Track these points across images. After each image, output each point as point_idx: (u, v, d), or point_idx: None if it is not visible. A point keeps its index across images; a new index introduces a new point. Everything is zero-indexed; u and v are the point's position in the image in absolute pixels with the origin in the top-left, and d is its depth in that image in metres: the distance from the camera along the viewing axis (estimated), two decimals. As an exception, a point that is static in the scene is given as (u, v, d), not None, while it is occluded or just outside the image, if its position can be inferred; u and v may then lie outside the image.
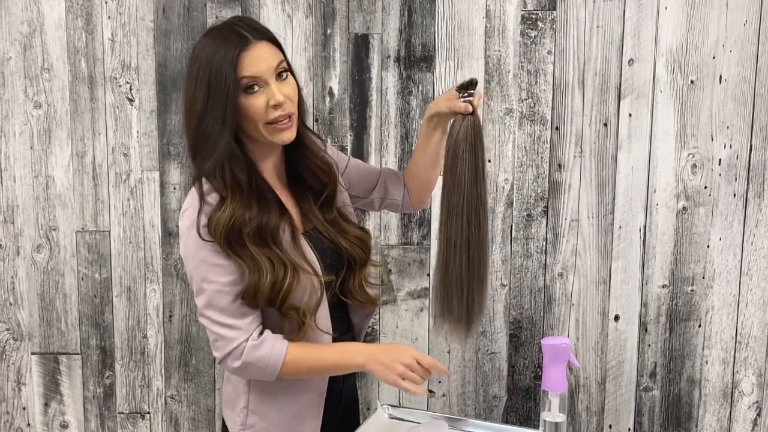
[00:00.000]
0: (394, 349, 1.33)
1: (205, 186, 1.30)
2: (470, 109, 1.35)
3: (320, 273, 1.33)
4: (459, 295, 1.38)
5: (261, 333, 1.30)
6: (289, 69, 1.33)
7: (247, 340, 1.28)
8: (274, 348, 1.29)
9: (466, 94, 1.36)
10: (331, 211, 1.43)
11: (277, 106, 1.27)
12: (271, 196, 1.32)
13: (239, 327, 1.28)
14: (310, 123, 2.02)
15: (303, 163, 1.41)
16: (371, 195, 1.58)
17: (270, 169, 1.38)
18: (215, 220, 1.26)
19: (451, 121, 1.39)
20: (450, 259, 1.38)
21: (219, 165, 1.27)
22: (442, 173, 1.39)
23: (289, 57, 1.37)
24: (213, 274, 1.27)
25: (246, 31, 1.27)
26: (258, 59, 1.26)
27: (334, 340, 1.39)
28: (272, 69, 1.27)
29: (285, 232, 1.31)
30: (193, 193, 1.30)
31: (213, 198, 1.28)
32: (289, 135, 1.31)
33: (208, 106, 1.25)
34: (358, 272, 1.41)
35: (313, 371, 1.34)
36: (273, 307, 1.30)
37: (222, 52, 1.24)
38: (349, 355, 1.34)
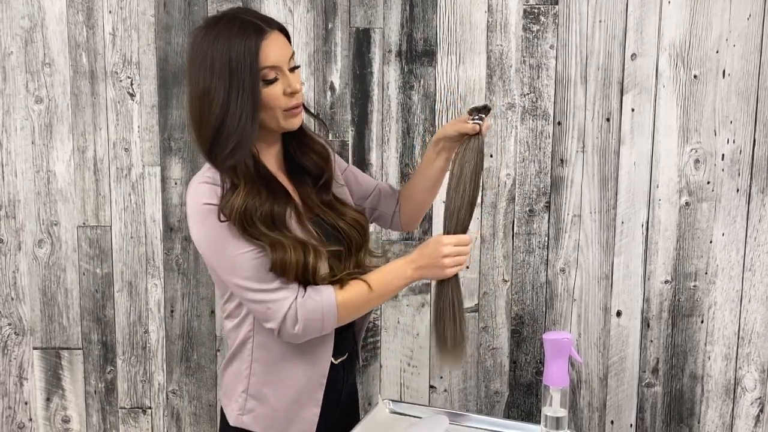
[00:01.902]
0: (429, 250, 1.32)
1: (211, 171, 1.31)
2: (477, 129, 1.37)
3: (327, 245, 1.35)
4: (451, 320, 1.39)
5: (305, 290, 1.30)
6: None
7: (296, 298, 1.28)
8: (323, 295, 1.29)
9: (476, 117, 1.39)
10: (328, 194, 1.44)
11: (294, 94, 1.30)
12: (276, 184, 1.34)
13: (286, 287, 1.28)
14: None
15: (300, 148, 1.42)
16: (364, 203, 1.59)
17: (272, 158, 1.39)
18: (229, 205, 1.27)
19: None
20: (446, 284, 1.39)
21: (243, 160, 1.28)
22: (447, 193, 1.39)
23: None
24: (242, 246, 1.27)
25: (258, 20, 1.29)
26: (276, 49, 1.29)
27: (335, 336, 1.39)
28: (287, 58, 1.31)
29: (292, 218, 1.32)
30: (202, 178, 1.31)
31: (226, 183, 1.30)
32: (299, 121, 1.35)
33: (231, 98, 1.25)
34: (354, 255, 1.41)
35: (369, 303, 1.34)
36: (306, 285, 1.30)
37: (240, 42, 1.25)
38: (396, 273, 1.34)
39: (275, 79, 1.29)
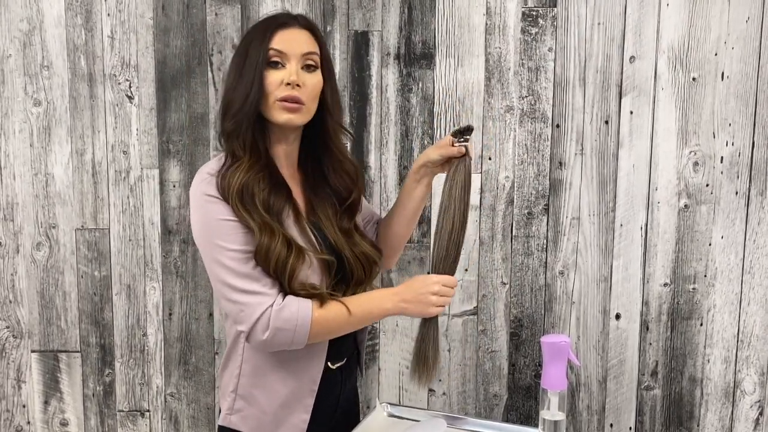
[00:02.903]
0: (418, 284, 1.33)
1: (216, 162, 1.32)
2: (463, 151, 1.37)
3: (322, 252, 1.33)
4: (434, 336, 1.39)
5: (283, 299, 1.29)
6: (323, 68, 1.36)
7: (272, 305, 1.26)
8: (300, 308, 1.27)
9: (461, 139, 1.38)
10: (349, 222, 1.43)
11: (289, 85, 1.30)
12: (278, 178, 1.33)
13: (263, 292, 1.26)
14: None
15: (331, 163, 1.41)
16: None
17: (281, 155, 1.38)
18: (228, 177, 1.28)
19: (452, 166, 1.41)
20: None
21: (243, 126, 1.30)
22: (438, 214, 1.39)
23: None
24: (233, 242, 1.26)
25: (293, 17, 1.35)
26: (290, 39, 1.31)
27: (332, 344, 1.39)
28: (300, 53, 1.32)
29: (289, 216, 1.31)
30: (207, 168, 1.32)
31: (227, 163, 1.31)
32: (289, 116, 1.32)
33: (242, 72, 1.30)
34: (352, 289, 1.40)
35: (344, 327, 1.32)
36: (283, 287, 1.29)
37: (263, 26, 1.33)
38: (377, 303, 1.33)
39: (279, 65, 1.30)
